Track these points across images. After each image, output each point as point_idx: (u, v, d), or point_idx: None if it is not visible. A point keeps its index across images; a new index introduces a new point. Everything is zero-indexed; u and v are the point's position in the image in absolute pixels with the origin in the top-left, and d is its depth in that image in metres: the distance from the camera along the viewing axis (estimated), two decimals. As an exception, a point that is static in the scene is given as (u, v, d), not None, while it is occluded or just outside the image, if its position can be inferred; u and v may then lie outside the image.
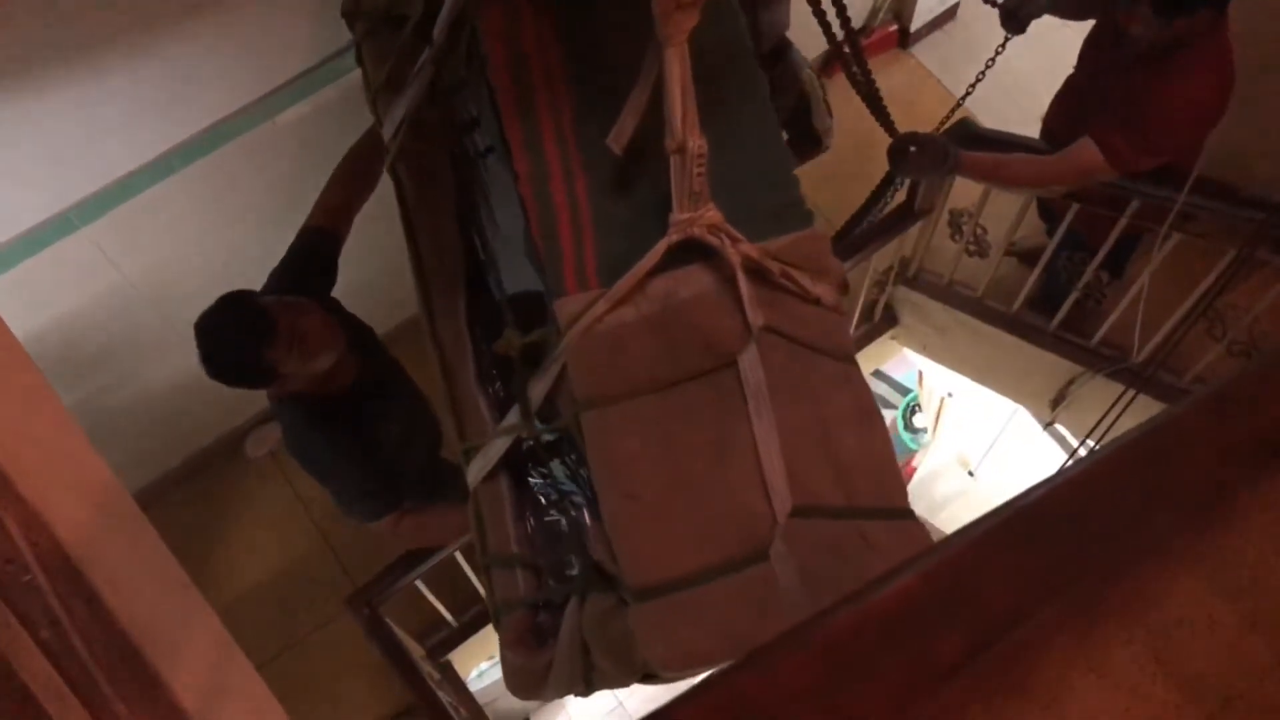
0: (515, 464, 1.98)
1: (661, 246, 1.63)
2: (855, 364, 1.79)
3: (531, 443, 1.93)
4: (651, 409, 1.69)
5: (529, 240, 1.89)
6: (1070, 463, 3.17)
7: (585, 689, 1.84)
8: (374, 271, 2.99)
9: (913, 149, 2.81)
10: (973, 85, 3.20)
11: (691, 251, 1.67)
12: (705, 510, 1.67)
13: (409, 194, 2.08)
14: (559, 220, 1.76)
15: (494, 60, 1.79)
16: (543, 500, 2.00)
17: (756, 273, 1.68)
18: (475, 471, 1.92)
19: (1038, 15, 2.93)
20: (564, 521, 1.99)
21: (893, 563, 1.62)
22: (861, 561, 1.64)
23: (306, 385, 2.32)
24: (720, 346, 1.68)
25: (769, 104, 1.87)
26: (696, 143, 1.53)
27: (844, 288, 1.87)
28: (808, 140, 3.13)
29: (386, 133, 2.11)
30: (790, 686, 0.64)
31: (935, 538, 6.85)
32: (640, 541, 1.69)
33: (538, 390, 1.79)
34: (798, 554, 1.62)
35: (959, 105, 3.25)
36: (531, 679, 1.88)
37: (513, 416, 1.86)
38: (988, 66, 3.14)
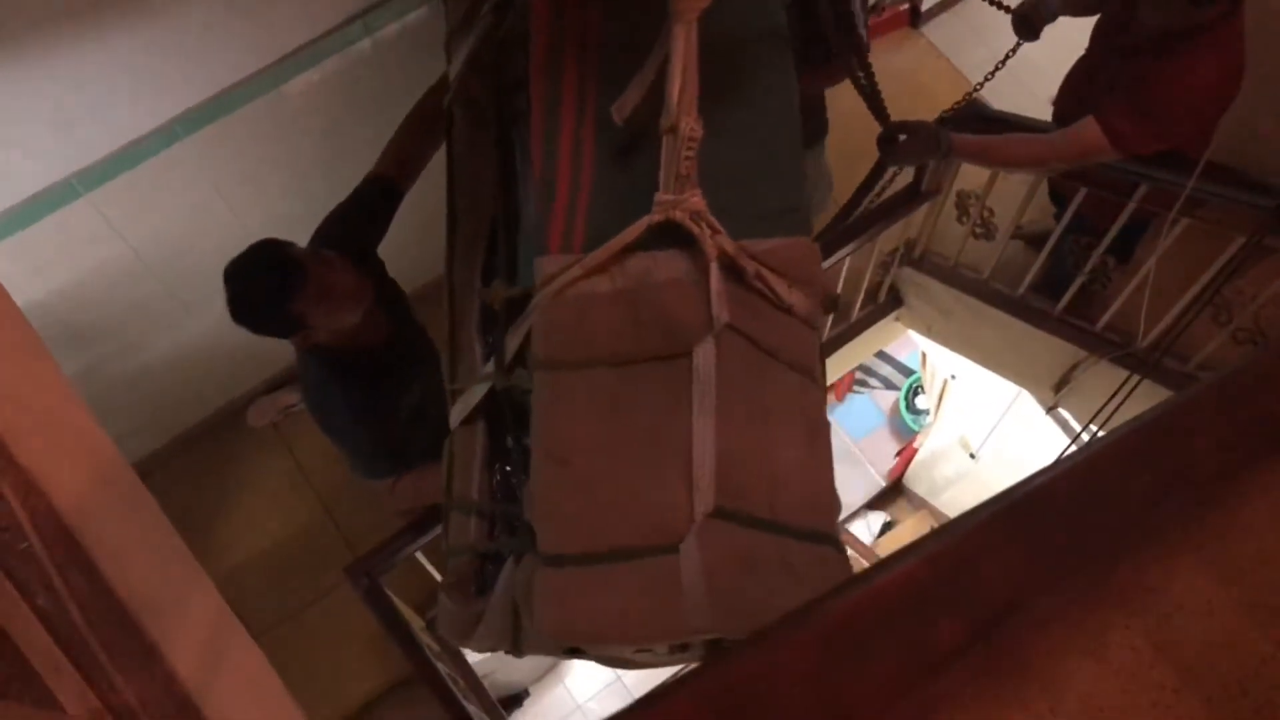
0: (496, 416, 1.99)
1: (642, 224, 1.63)
2: (816, 380, 1.75)
3: (514, 397, 1.93)
4: (603, 382, 1.69)
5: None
6: (1074, 449, 3.17)
7: (515, 649, 1.86)
8: (408, 229, 2.97)
9: (902, 136, 2.77)
10: (982, 82, 3.17)
11: (678, 237, 1.66)
12: (628, 491, 1.66)
13: (459, 134, 2.07)
14: (559, 181, 1.76)
15: (536, 17, 1.80)
16: (515, 456, 2.01)
17: (731, 269, 1.67)
18: (455, 414, 1.94)
19: (1050, 20, 2.89)
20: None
21: (804, 592, 1.62)
22: (773, 583, 1.61)
23: (333, 339, 2.33)
24: (681, 334, 1.67)
25: (792, 107, 1.84)
26: (689, 125, 1.52)
27: (829, 304, 1.84)
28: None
29: (451, 72, 2.11)
30: (790, 671, 0.64)
31: (936, 520, 6.87)
32: (560, 508, 1.69)
33: (512, 344, 1.80)
34: (708, 555, 1.59)
35: (973, 93, 3.22)
36: (460, 625, 1.90)
37: (491, 365, 1.87)
38: (998, 67, 3.12)
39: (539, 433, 1.72)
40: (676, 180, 1.58)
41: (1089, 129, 2.62)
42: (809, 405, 1.72)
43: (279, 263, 2.15)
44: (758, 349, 1.69)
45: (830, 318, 4.12)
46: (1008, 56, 3.07)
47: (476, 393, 1.89)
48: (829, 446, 1.74)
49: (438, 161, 2.19)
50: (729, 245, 1.64)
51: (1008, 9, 2.96)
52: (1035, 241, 3.63)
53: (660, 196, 1.60)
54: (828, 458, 1.73)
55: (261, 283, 2.14)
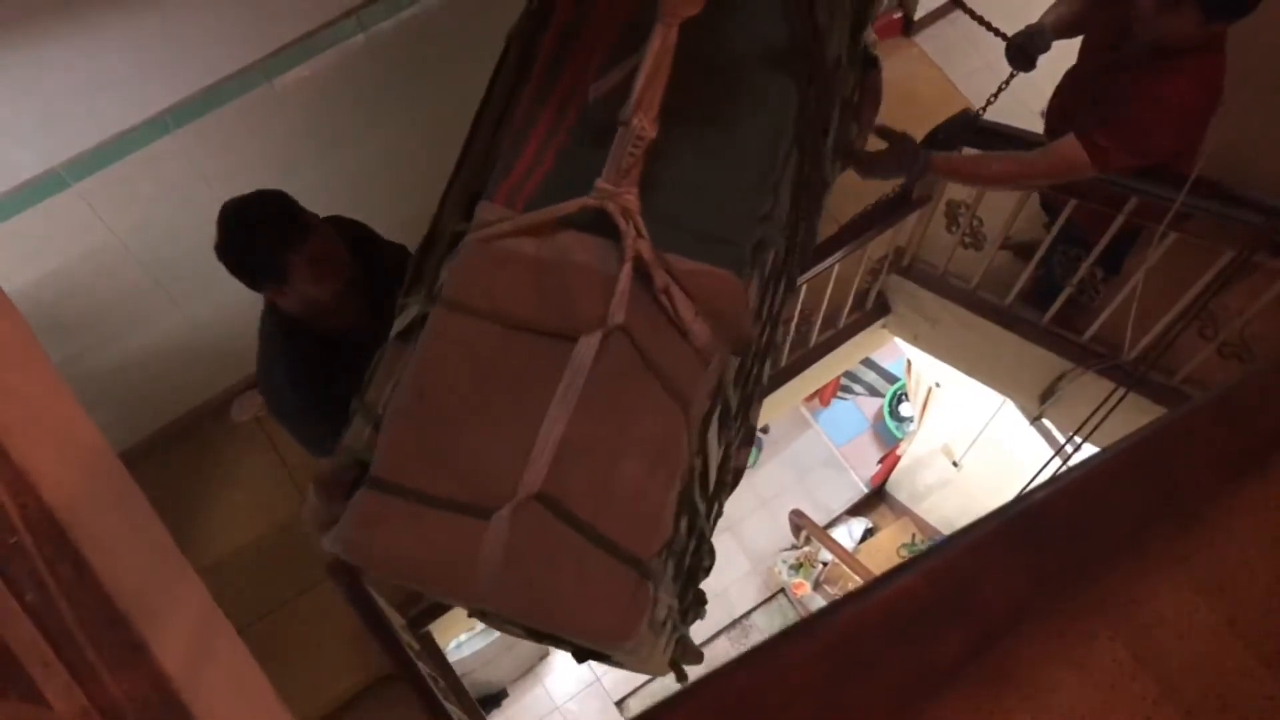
0: None
1: (577, 203, 1.66)
2: (684, 411, 1.74)
3: None
4: (488, 337, 1.72)
5: None
6: (1070, 466, 3.18)
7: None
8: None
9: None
10: (984, 106, 3.18)
11: (614, 229, 1.68)
12: (468, 446, 1.68)
13: (506, 68, 2.08)
14: (526, 147, 1.80)
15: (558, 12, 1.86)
16: None
17: (644, 275, 1.68)
18: (395, 327, 1.96)
19: (1046, 49, 2.90)
20: None
21: (592, 604, 1.65)
22: (565, 583, 1.62)
23: (300, 308, 2.33)
24: (574, 319, 1.69)
25: (772, 149, 1.85)
26: (641, 123, 1.56)
27: (738, 347, 1.83)
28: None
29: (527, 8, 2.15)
30: (792, 683, 0.64)
31: (918, 527, 6.88)
32: (400, 437, 1.71)
33: (443, 275, 1.83)
34: (515, 534, 1.61)
35: (975, 114, 3.21)
36: (319, 522, 1.92)
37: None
38: (994, 96, 3.13)
39: (413, 362, 1.75)
40: (618, 173, 1.62)
41: (1068, 146, 2.63)
42: (667, 433, 1.71)
43: (288, 213, 2.17)
44: (641, 360, 1.69)
45: (817, 325, 4.14)
46: (1001, 88, 3.09)
47: (411, 312, 1.92)
48: (671, 479, 1.72)
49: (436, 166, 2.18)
50: (647, 252, 1.66)
51: (1004, 36, 2.97)
52: (1023, 252, 3.65)
53: (600, 184, 1.63)
54: (665, 488, 1.71)
55: (266, 226, 2.15)
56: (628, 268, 1.65)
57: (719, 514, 2.59)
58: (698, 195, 1.78)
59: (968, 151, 3.12)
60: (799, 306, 3.84)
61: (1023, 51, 2.90)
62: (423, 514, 1.65)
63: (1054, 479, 0.84)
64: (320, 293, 2.28)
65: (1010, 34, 2.96)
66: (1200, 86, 2.54)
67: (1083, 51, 2.94)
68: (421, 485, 1.67)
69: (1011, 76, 3.00)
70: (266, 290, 2.31)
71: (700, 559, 2.46)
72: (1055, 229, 3.27)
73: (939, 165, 2.77)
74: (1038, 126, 3.21)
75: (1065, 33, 2.94)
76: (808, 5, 1.81)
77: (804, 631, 0.70)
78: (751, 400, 2.71)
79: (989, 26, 2.88)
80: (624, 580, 1.64)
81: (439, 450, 1.69)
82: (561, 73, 1.84)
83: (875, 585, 0.72)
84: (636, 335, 1.68)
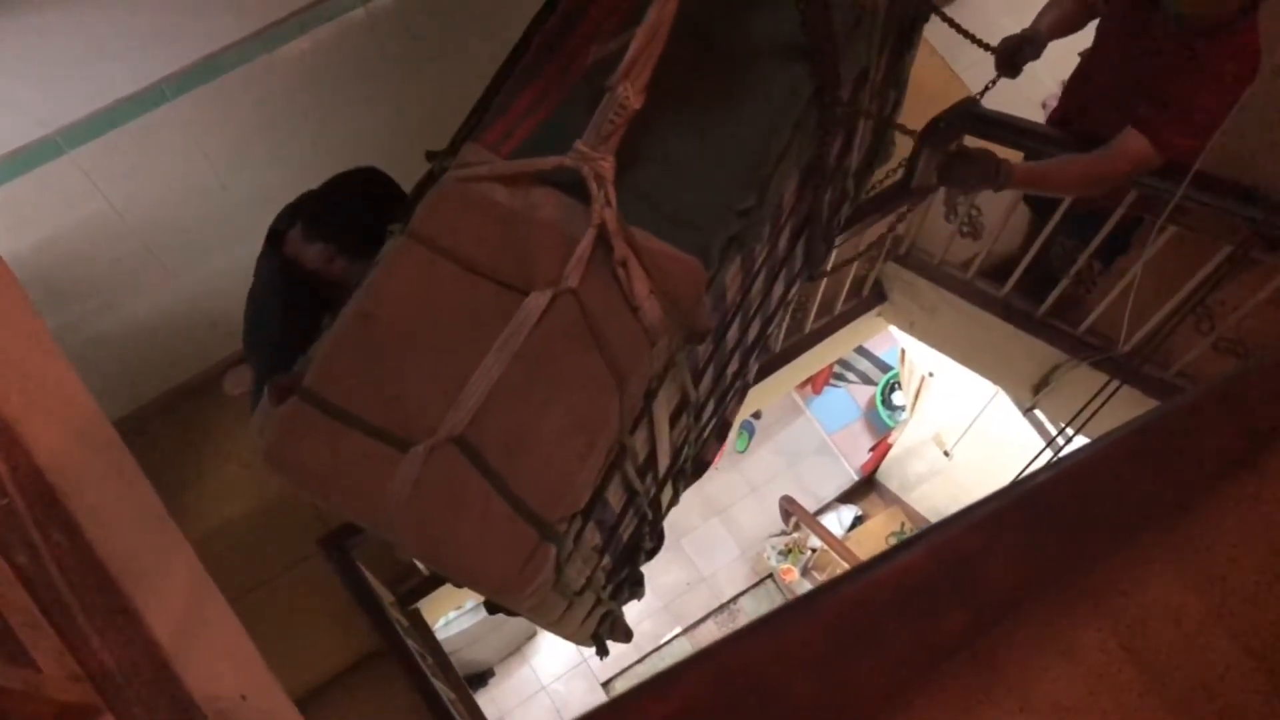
0: None
1: (554, 160, 1.68)
2: (619, 386, 1.74)
3: None
4: (443, 275, 1.74)
5: None
6: (1073, 450, 3.19)
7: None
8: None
9: (959, 161, 2.73)
10: (980, 94, 3.16)
11: (587, 193, 1.69)
12: (400, 377, 1.71)
13: (550, 18, 2.07)
14: (527, 90, 1.82)
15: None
16: None
17: (607, 244, 1.69)
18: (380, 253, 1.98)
19: (1036, 58, 2.89)
20: None
21: (488, 557, 1.67)
22: (466, 529, 1.65)
23: (323, 270, 2.34)
24: (530, 274, 1.71)
25: (765, 149, 1.85)
26: (626, 91, 1.58)
27: (692, 337, 1.83)
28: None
29: None
30: (794, 657, 0.64)
31: (908, 516, 6.88)
32: (337, 354, 1.74)
33: (418, 208, 1.85)
34: (428, 471, 1.64)
35: (971, 102, 3.19)
36: (261, 424, 2.00)
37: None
38: (982, 92, 3.11)
39: (366, 284, 1.77)
40: (597, 137, 1.63)
41: (1134, 141, 2.61)
42: (597, 403, 1.71)
43: (399, 196, 2.17)
44: (586, 327, 1.70)
45: (812, 313, 4.13)
46: (988, 86, 3.07)
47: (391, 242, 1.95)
48: (592, 450, 1.72)
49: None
50: (613, 221, 1.67)
51: (991, 49, 2.97)
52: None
53: (578, 145, 1.64)
54: (585, 458, 1.72)
55: (384, 199, 2.17)
56: (591, 233, 1.67)
57: (674, 501, 2.60)
58: (680, 178, 1.78)
59: (974, 142, 3.11)
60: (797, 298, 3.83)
61: (1010, 60, 2.90)
62: (343, 433, 1.68)
63: (1057, 462, 0.84)
64: (323, 274, 2.29)
65: (997, 43, 2.96)
66: (1246, 59, 2.53)
67: (1102, 47, 2.91)
68: (348, 405, 1.69)
69: (996, 79, 2.99)
70: (315, 246, 2.32)
71: (640, 539, 2.46)
72: (1054, 219, 3.26)
73: (1021, 176, 2.74)
74: (1038, 116, 3.20)
75: (1064, 33, 2.92)
76: (824, 12, 1.80)
77: (805, 607, 0.70)
78: (728, 395, 2.71)
79: (973, 39, 2.87)
80: (524, 537, 1.65)
81: (372, 375, 1.71)
82: (574, 31, 1.86)
83: (878, 561, 0.71)
84: (586, 301, 1.69)
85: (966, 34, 2.88)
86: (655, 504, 2.37)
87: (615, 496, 1.98)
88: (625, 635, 2.67)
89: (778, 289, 2.54)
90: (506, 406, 1.68)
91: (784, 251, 2.39)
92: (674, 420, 2.13)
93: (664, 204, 1.75)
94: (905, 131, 2.59)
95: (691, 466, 2.62)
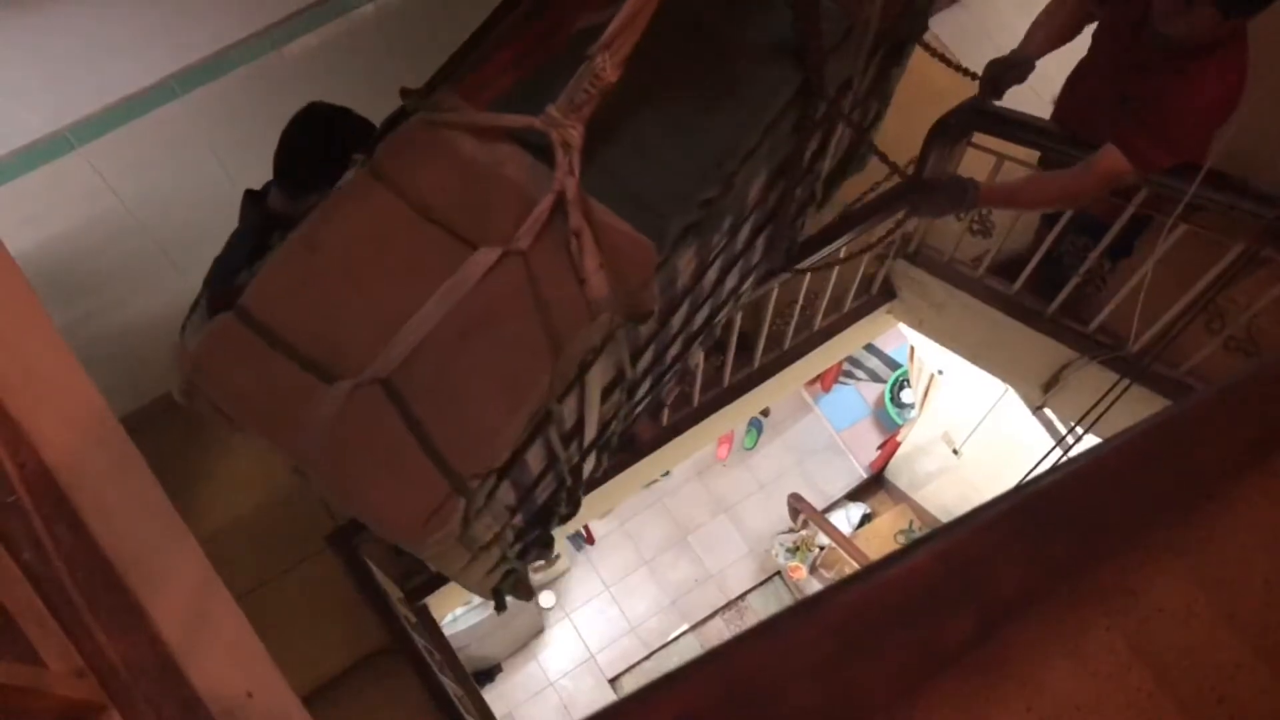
0: None
1: (525, 120, 1.67)
2: (553, 352, 1.74)
3: None
4: (396, 216, 1.73)
5: None
6: (1083, 450, 3.18)
7: None
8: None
9: (923, 195, 2.77)
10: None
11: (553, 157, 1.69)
12: (337, 311, 1.70)
13: None
14: (511, 43, 1.82)
15: None
16: None
17: (562, 211, 1.69)
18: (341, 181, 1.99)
19: (1021, 81, 2.90)
20: None
21: (394, 505, 1.62)
22: (378, 471, 1.65)
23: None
24: (484, 229, 1.70)
25: (736, 146, 1.86)
26: (603, 64, 1.58)
27: (636, 315, 1.83)
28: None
29: None
30: (798, 661, 0.64)
31: (916, 514, 6.85)
32: (276, 278, 1.73)
33: (381, 144, 1.84)
34: (350, 408, 1.64)
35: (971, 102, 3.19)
36: (196, 324, 2.05)
37: None
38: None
39: (318, 211, 1.76)
40: (570, 104, 1.63)
41: (1109, 156, 2.63)
42: (528, 366, 1.72)
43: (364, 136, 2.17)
44: (530, 290, 1.71)
45: (821, 310, 4.12)
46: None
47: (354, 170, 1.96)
48: (516, 412, 1.72)
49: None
50: (573, 190, 1.67)
51: (974, 76, 2.97)
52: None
53: (550, 110, 1.64)
54: (508, 419, 1.72)
55: (334, 135, 2.20)
56: (550, 198, 1.67)
57: (598, 472, 2.59)
58: (649, 162, 1.79)
59: (985, 136, 3.11)
60: (803, 290, 3.83)
61: (994, 84, 2.91)
62: (271, 357, 1.67)
63: (1066, 462, 0.83)
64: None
65: (981, 68, 2.97)
66: (1229, 81, 2.53)
67: (1095, 52, 2.91)
68: (280, 330, 1.69)
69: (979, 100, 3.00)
70: (293, 189, 2.31)
71: (556, 503, 2.47)
72: (1065, 217, 3.25)
73: (988, 197, 2.77)
74: (1046, 112, 3.18)
75: (1058, 45, 2.94)
76: (812, 18, 1.80)
77: (809, 610, 0.70)
78: (665, 376, 2.71)
79: (957, 67, 2.88)
80: (435, 487, 1.65)
81: (309, 303, 1.71)
82: (545, 11, 1.85)
83: (884, 564, 0.71)
84: (534, 265, 1.69)
85: (950, 62, 2.91)
86: (576, 471, 2.38)
87: (535, 459, 1.98)
88: (527, 593, 2.69)
89: (731, 279, 2.55)
90: (438, 356, 1.68)
91: (743, 244, 2.39)
92: (607, 394, 2.13)
93: (629, 183, 1.76)
94: (878, 154, 2.60)
95: (618, 441, 2.62)
